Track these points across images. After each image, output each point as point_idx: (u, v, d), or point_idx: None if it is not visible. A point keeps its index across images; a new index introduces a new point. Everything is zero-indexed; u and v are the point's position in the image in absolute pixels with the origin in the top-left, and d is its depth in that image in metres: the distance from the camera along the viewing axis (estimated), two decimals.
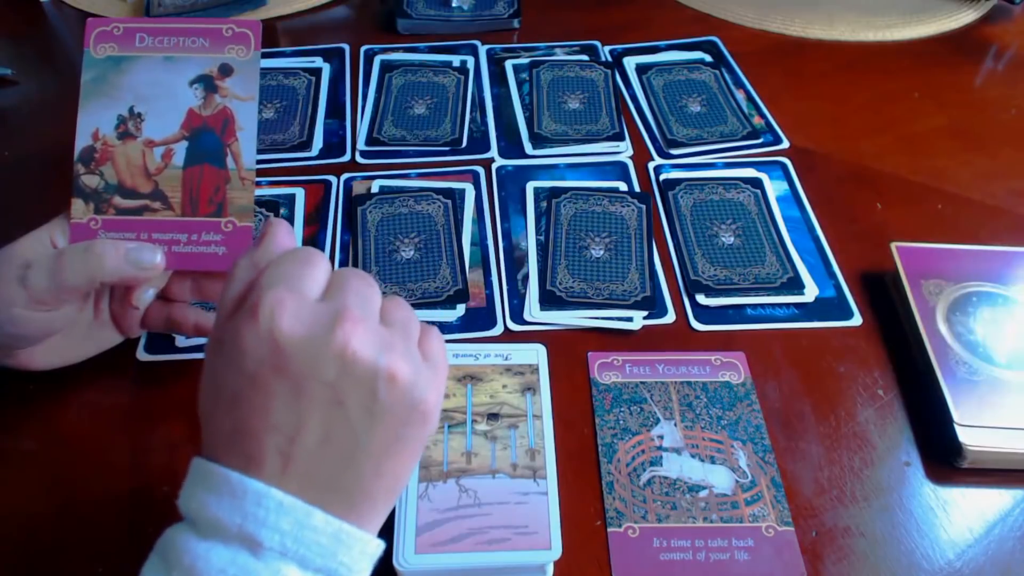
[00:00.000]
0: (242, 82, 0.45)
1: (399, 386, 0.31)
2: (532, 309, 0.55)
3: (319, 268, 0.33)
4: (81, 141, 0.45)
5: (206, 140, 0.45)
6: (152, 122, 0.45)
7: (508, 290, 0.57)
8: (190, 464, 0.31)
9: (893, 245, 0.56)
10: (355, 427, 0.31)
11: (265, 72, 0.76)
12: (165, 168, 0.45)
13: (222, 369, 0.31)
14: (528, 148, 0.69)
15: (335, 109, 0.73)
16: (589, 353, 0.52)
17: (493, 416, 0.45)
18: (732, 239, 0.60)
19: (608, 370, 0.51)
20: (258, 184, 0.64)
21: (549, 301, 0.55)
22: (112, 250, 0.42)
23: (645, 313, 0.55)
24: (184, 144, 0.45)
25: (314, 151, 0.68)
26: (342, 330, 0.30)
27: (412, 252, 0.58)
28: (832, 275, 0.58)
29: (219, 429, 0.31)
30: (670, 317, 0.55)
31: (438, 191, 0.63)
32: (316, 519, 0.30)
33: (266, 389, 0.30)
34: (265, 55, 0.79)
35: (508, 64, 0.78)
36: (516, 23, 0.84)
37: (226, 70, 0.45)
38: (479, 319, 0.55)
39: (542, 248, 0.59)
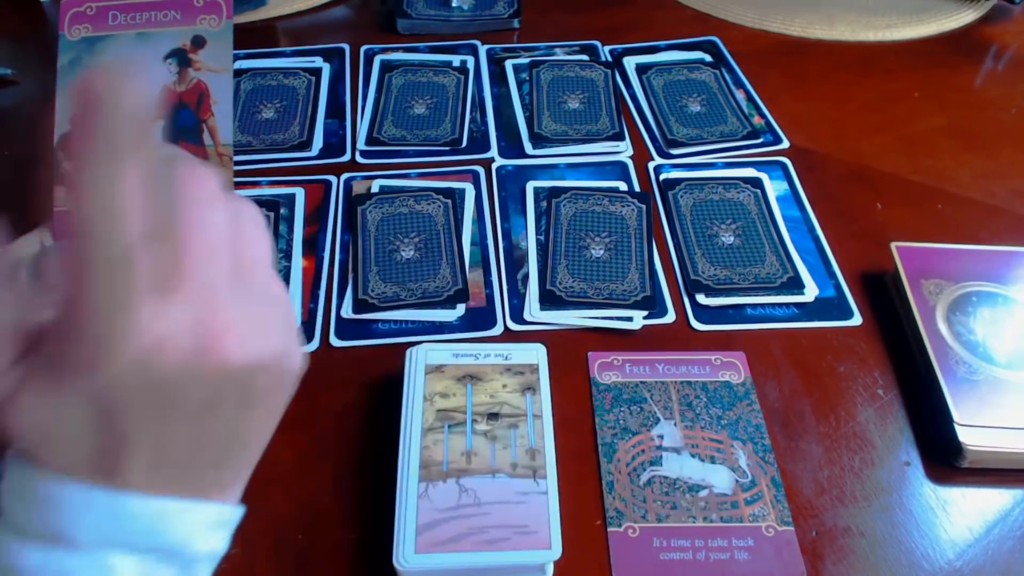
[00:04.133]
0: (215, 53, 0.43)
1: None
2: (532, 309, 0.55)
3: None
4: (61, 127, 0.43)
5: (182, 116, 0.44)
6: None
7: (508, 290, 0.57)
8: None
9: (893, 245, 0.56)
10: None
11: (265, 72, 0.76)
12: None
13: None
14: (528, 148, 0.69)
15: (335, 109, 0.73)
16: (589, 353, 0.52)
17: (493, 416, 0.45)
18: (732, 239, 0.60)
19: (608, 370, 0.51)
20: (257, 183, 0.64)
21: (549, 301, 0.55)
22: None
23: (645, 313, 0.55)
24: (159, 123, 0.43)
25: (314, 151, 0.68)
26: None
27: (412, 252, 0.58)
28: (832, 275, 0.58)
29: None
30: (670, 317, 0.55)
31: (438, 191, 0.63)
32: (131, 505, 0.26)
33: None
34: (265, 55, 0.79)
35: (508, 64, 0.78)
36: (516, 23, 0.84)
37: (199, 42, 0.43)
38: (479, 319, 0.55)
39: (542, 248, 0.59)
